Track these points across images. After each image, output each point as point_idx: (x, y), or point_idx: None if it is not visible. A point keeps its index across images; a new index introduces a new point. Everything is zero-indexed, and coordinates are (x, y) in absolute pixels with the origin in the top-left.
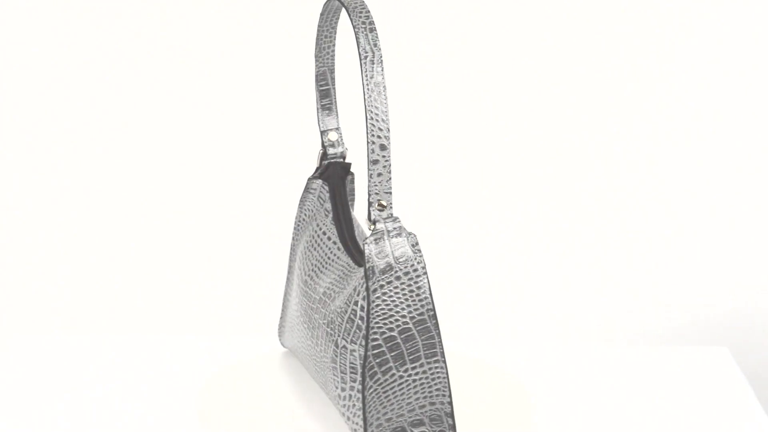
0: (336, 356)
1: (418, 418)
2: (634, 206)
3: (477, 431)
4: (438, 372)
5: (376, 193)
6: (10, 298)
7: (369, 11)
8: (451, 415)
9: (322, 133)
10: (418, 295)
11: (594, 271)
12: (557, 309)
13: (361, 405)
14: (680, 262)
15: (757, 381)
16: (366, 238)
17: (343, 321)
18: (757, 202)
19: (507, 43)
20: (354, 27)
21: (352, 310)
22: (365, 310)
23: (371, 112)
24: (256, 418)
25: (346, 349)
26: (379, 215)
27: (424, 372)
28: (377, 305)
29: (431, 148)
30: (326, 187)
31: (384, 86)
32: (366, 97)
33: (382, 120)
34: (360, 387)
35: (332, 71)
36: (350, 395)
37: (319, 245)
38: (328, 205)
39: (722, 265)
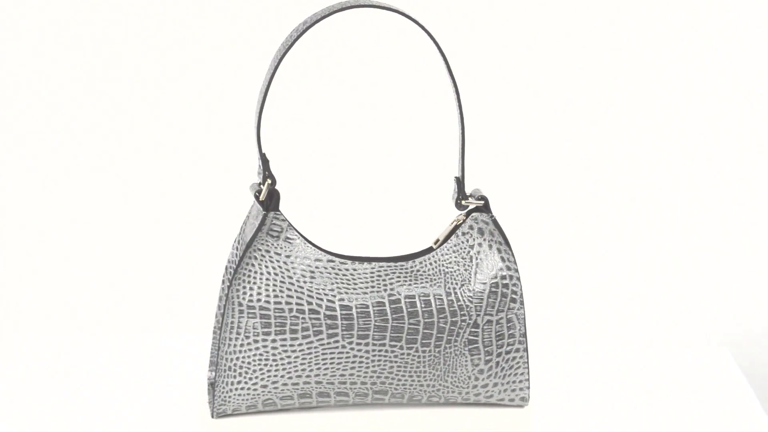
0: (476, 336)
1: None
2: (634, 206)
3: (477, 431)
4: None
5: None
6: (10, 297)
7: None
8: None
9: (265, 157)
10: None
11: (594, 271)
12: (557, 308)
13: (518, 362)
14: (680, 262)
15: (757, 381)
16: (486, 214)
17: (482, 300)
18: (758, 203)
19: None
20: (430, 35)
21: (494, 284)
22: (513, 278)
23: (460, 105)
24: (257, 418)
25: (491, 322)
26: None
27: None
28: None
29: (424, 147)
30: (279, 216)
31: None
32: (456, 92)
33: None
34: (514, 348)
35: None
36: (497, 362)
37: (317, 272)
38: (290, 233)
39: (722, 266)
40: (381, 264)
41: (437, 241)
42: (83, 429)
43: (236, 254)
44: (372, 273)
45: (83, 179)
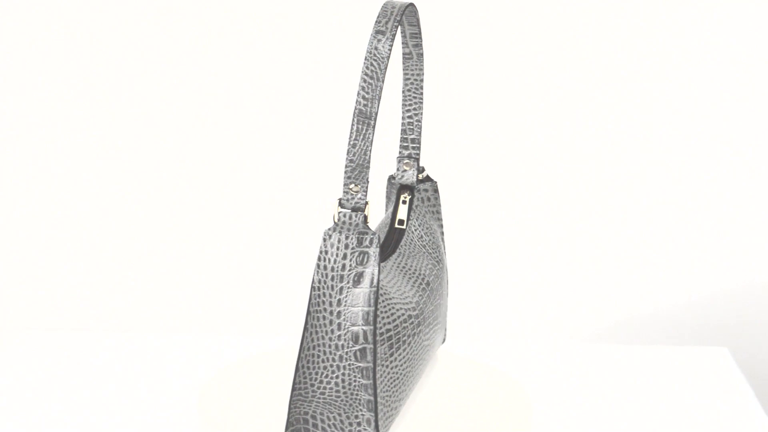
0: (447, 291)
1: None
2: (633, 205)
3: None
4: None
5: None
6: (11, 296)
7: None
8: None
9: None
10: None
11: (593, 271)
12: (556, 309)
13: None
14: (680, 262)
15: (757, 381)
16: (428, 183)
17: (440, 261)
18: (757, 202)
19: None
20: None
21: (441, 240)
22: (443, 233)
23: (422, 87)
24: (257, 418)
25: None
26: None
27: None
28: None
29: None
30: None
31: None
32: (422, 72)
33: None
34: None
35: None
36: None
37: (389, 281)
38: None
39: (722, 265)
40: (392, 256)
41: (401, 221)
42: (83, 429)
43: (362, 290)
44: (395, 266)
45: (86, 179)
